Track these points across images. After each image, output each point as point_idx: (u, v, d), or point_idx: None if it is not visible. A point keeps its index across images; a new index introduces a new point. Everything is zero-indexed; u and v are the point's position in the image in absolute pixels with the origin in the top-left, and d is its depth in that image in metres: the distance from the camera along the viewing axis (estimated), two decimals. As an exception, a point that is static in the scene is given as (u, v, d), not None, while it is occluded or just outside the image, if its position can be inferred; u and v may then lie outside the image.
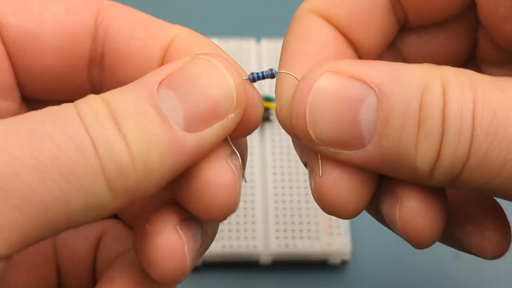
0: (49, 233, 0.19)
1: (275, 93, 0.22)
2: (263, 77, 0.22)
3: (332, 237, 0.34)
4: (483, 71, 0.25)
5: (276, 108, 0.22)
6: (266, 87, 0.38)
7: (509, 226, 0.25)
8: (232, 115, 0.21)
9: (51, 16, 0.22)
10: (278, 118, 0.23)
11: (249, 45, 0.39)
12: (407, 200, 0.22)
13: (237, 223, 0.34)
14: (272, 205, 0.35)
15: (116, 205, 0.19)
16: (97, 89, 0.24)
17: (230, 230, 0.34)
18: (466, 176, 0.20)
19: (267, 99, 0.37)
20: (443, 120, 0.20)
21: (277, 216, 0.34)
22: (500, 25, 0.23)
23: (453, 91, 0.20)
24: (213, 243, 0.33)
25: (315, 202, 0.34)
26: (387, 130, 0.20)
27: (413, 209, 0.22)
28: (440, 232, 0.22)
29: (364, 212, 0.36)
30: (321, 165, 0.21)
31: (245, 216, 0.34)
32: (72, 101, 0.23)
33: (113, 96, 0.20)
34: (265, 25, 0.43)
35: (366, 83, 0.20)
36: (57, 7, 0.23)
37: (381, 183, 0.22)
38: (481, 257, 0.25)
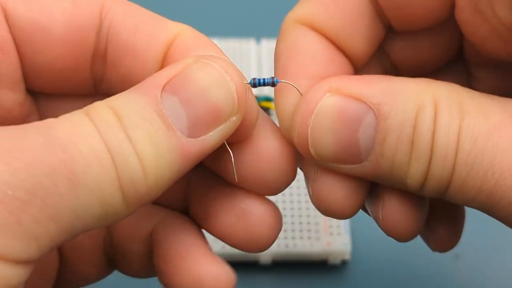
0: (70, 237, 0.19)
1: (275, 105, 0.23)
2: (264, 84, 0.22)
3: (332, 237, 0.34)
4: (471, 71, 0.25)
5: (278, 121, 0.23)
6: (266, 87, 0.38)
7: (459, 225, 0.27)
8: (234, 118, 0.21)
9: (60, 8, 0.23)
10: (280, 127, 0.23)
11: (249, 45, 0.39)
12: (389, 200, 0.23)
13: (237, 223, 0.34)
14: (272, 205, 0.35)
15: (128, 213, 0.20)
16: (98, 84, 0.24)
17: (230, 230, 0.34)
18: (450, 195, 0.21)
19: (267, 99, 0.37)
20: (432, 143, 0.21)
21: (277, 216, 0.34)
22: (482, 42, 0.23)
23: (443, 115, 0.21)
24: (213, 243, 0.33)
25: (315, 202, 0.35)
26: (383, 150, 0.21)
27: (394, 210, 0.23)
28: (420, 228, 0.24)
29: (364, 213, 0.36)
30: (317, 171, 0.23)
31: (245, 216, 0.34)
32: (74, 95, 0.24)
33: (120, 104, 0.20)
34: (265, 25, 0.43)
35: (365, 103, 0.21)
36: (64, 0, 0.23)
37: None
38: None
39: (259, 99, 0.37)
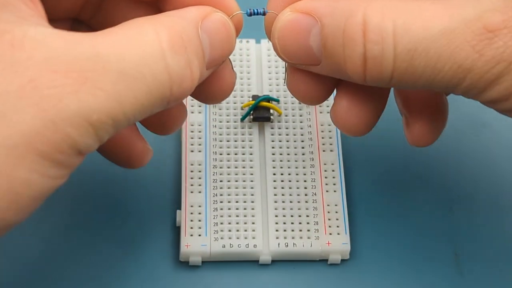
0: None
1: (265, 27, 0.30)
2: (257, 13, 0.30)
3: (332, 236, 0.34)
4: None
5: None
6: (266, 87, 0.38)
7: (435, 123, 0.31)
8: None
9: None
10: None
11: (249, 45, 0.39)
12: (339, 100, 0.30)
13: (237, 222, 0.34)
14: (272, 204, 0.35)
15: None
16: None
17: (230, 230, 0.34)
18: (396, 80, 0.27)
19: (267, 99, 0.37)
20: (365, 41, 0.26)
21: (276, 216, 0.34)
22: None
23: (373, 18, 0.26)
24: (213, 242, 0.33)
25: (314, 202, 0.35)
26: (326, 52, 0.28)
27: (342, 109, 0.30)
28: (369, 126, 0.30)
29: (363, 213, 0.36)
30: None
31: (245, 216, 0.34)
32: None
33: (184, 30, 0.26)
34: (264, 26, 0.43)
35: (312, 16, 0.28)
36: None
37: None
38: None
39: (259, 98, 0.37)
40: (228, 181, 0.35)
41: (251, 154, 0.36)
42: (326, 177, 0.36)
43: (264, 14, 0.30)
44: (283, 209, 0.35)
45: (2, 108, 0.21)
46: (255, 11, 0.30)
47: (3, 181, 0.21)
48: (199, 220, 0.34)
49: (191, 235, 0.34)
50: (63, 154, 0.22)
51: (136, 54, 0.24)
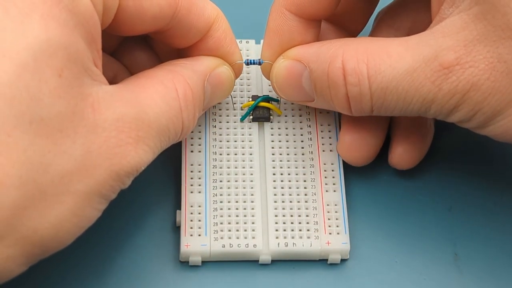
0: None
1: (263, 71, 0.36)
2: (253, 63, 0.35)
3: (332, 236, 0.34)
4: None
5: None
6: (265, 87, 0.38)
7: (420, 148, 0.36)
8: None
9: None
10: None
11: (249, 45, 0.39)
12: (343, 137, 0.35)
13: (237, 222, 0.34)
14: (272, 204, 0.35)
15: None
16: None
17: (229, 230, 0.34)
18: (376, 112, 0.32)
19: (267, 99, 0.37)
20: (345, 83, 0.31)
21: (276, 216, 0.34)
22: None
23: (350, 63, 0.31)
24: (213, 242, 0.33)
25: (314, 202, 0.35)
26: (317, 92, 0.32)
27: (345, 145, 0.35)
28: (370, 158, 0.35)
29: (363, 212, 0.37)
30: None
31: (245, 216, 0.34)
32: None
33: (194, 84, 0.31)
34: (264, 27, 0.43)
35: (302, 62, 0.33)
36: None
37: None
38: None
39: (258, 99, 0.37)
40: (228, 181, 0.35)
41: (251, 154, 0.36)
42: (325, 177, 0.36)
43: (259, 64, 0.35)
44: (283, 209, 0.35)
45: (85, 163, 0.26)
46: (251, 61, 0.35)
47: (74, 219, 0.26)
48: (199, 220, 0.34)
49: (191, 235, 0.34)
50: (115, 193, 0.28)
51: (164, 110, 0.29)
